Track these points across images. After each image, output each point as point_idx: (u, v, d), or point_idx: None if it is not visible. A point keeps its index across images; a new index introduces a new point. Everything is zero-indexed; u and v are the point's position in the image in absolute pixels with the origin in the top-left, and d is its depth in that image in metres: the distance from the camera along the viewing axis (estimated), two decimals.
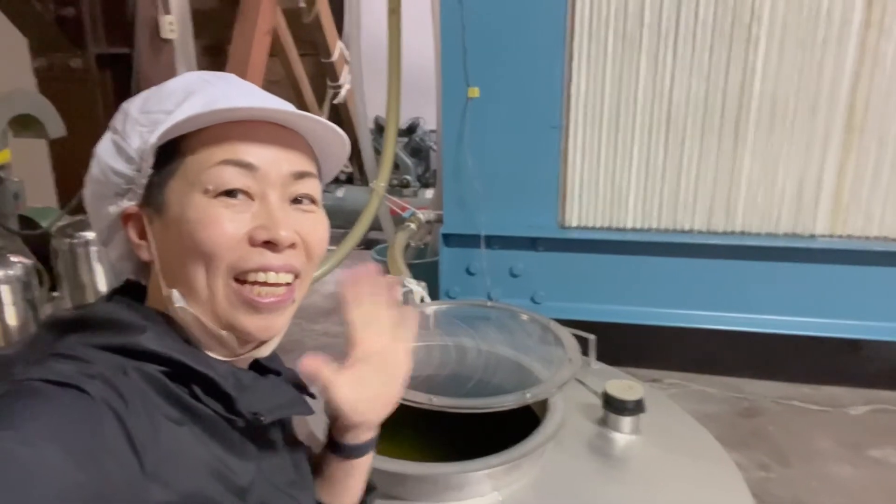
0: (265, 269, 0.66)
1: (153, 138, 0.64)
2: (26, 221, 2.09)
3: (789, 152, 2.60)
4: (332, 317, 3.83)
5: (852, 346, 3.18)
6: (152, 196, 0.66)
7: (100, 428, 0.52)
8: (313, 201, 0.71)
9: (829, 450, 2.46)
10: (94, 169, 0.69)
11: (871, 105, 2.50)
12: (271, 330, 0.69)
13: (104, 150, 0.68)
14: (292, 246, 0.67)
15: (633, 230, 2.81)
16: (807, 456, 2.42)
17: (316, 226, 0.70)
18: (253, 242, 0.65)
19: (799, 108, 2.55)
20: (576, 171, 2.77)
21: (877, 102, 2.49)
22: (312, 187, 0.71)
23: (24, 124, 1.90)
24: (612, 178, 2.75)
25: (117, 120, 0.69)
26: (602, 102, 2.67)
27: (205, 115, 0.63)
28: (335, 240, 4.08)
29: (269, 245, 0.65)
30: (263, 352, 0.73)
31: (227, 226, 0.63)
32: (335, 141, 0.72)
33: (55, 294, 2.06)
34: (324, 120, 0.68)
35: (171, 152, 0.65)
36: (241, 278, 0.66)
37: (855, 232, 2.65)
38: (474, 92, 2.68)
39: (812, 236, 2.68)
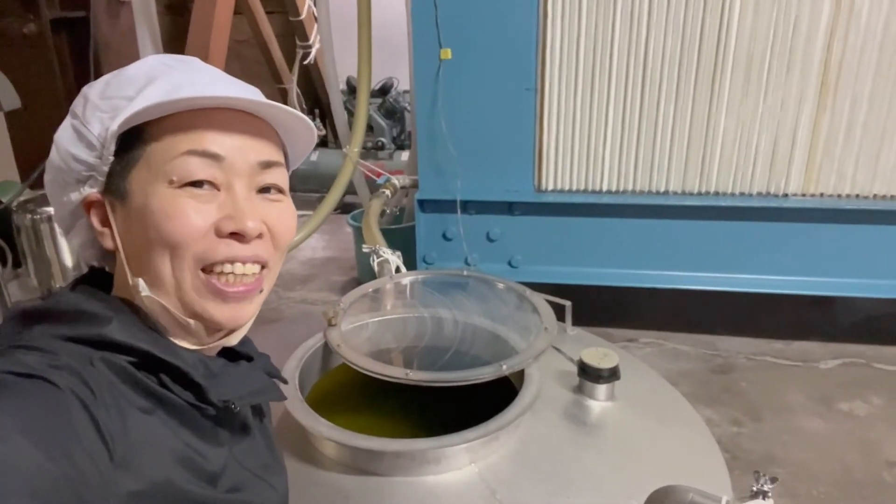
0: (232, 261, 0.65)
1: (114, 125, 0.62)
2: None
3: (764, 111, 2.59)
4: (308, 284, 3.80)
5: (824, 302, 3.25)
6: (114, 184, 0.65)
7: (68, 419, 0.52)
8: (280, 190, 0.70)
9: (799, 404, 2.52)
10: (54, 155, 0.67)
11: (845, 63, 2.49)
12: (240, 319, 0.69)
13: (64, 136, 0.66)
14: (259, 236, 0.66)
15: (609, 193, 2.80)
16: (778, 410, 2.48)
17: (283, 216, 0.69)
18: (220, 234, 0.64)
19: (774, 65, 2.53)
20: (551, 134, 2.74)
21: (851, 60, 2.48)
22: (279, 176, 0.70)
23: None
24: (588, 140, 2.73)
25: (77, 105, 0.67)
26: (577, 63, 2.63)
27: (166, 103, 0.61)
28: (310, 205, 4.03)
29: (236, 236, 0.64)
30: (232, 340, 0.72)
31: (193, 217, 0.62)
32: (302, 129, 0.71)
33: (20, 270, 2.01)
34: (290, 109, 0.67)
35: (133, 139, 0.64)
36: (208, 269, 0.65)
37: (827, 191, 2.67)
38: (447, 54, 2.62)
39: (785, 196, 2.70)
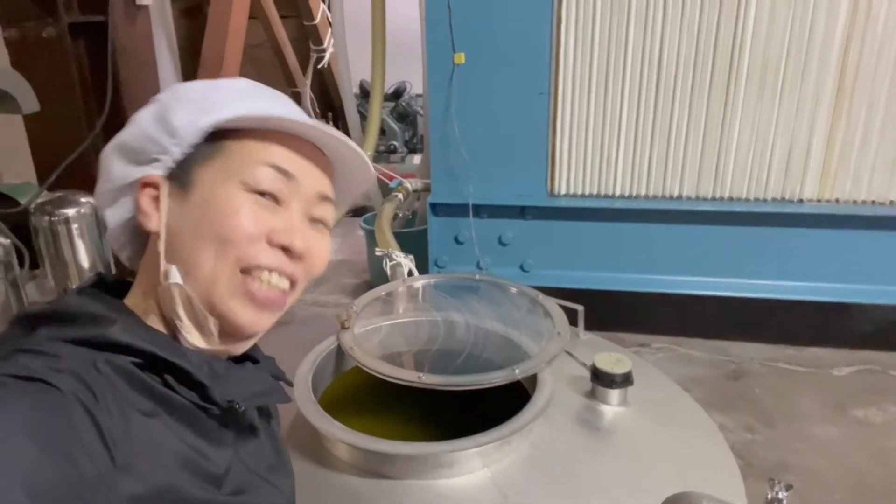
0: (272, 269, 0.68)
1: (210, 119, 0.66)
2: (4, 198, 2.04)
3: (779, 116, 2.58)
4: (320, 286, 3.82)
5: (838, 308, 3.22)
6: (181, 172, 0.68)
7: (69, 421, 0.52)
8: (326, 225, 0.75)
9: (813, 411, 2.50)
10: (130, 130, 0.70)
11: (861, 68, 2.47)
12: (259, 325, 0.70)
13: (145, 116, 0.69)
14: (301, 257, 0.70)
15: (622, 197, 2.79)
16: (792, 417, 2.46)
17: (322, 248, 0.74)
18: (271, 242, 0.68)
19: (789, 70, 2.51)
20: (564, 139, 2.73)
21: (867, 65, 2.46)
22: (329, 212, 0.75)
23: None
24: (601, 144, 2.73)
25: (165, 94, 0.71)
26: (591, 67, 2.63)
27: (275, 118, 0.67)
28: None
29: (284, 249, 0.68)
30: (238, 349, 0.73)
31: (252, 219, 0.66)
32: (362, 173, 0.76)
33: (37, 272, 2.03)
34: (362, 152, 0.73)
35: (216, 138, 0.68)
36: (246, 271, 0.67)
37: (843, 196, 2.65)
38: (460, 58, 2.62)
39: (800, 201, 2.68)
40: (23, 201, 2.06)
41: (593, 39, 2.59)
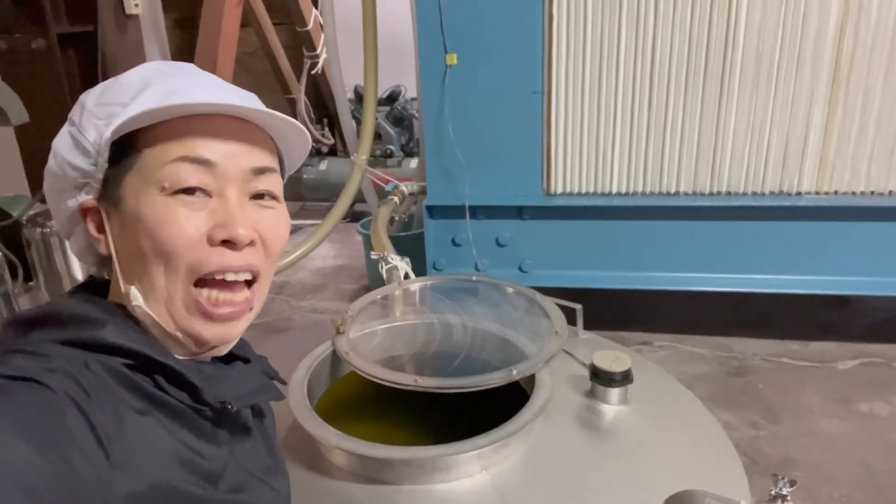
0: (224, 271, 0.65)
1: (108, 132, 0.62)
2: None
3: (775, 108, 2.56)
4: (319, 293, 3.80)
5: (840, 301, 3.20)
6: (109, 190, 0.65)
7: (62, 420, 0.52)
8: (274, 197, 0.70)
9: (818, 405, 2.48)
10: (52, 162, 0.67)
11: (856, 57, 2.46)
12: (227, 337, 0.69)
13: (61, 143, 0.67)
14: (251, 244, 0.66)
15: (619, 195, 2.78)
16: (797, 412, 2.44)
17: (276, 223, 0.69)
18: (212, 242, 0.64)
19: (784, 62, 2.50)
20: (559, 137, 2.72)
21: (862, 55, 2.45)
22: (273, 183, 0.70)
23: None
24: (597, 142, 2.71)
25: (74, 112, 0.67)
26: (584, 64, 2.61)
27: (159, 109, 0.61)
28: (321, 214, 4.04)
29: (228, 244, 0.64)
30: (221, 351, 0.72)
31: (184, 225, 0.62)
32: (296, 135, 0.71)
33: (31, 284, 2.02)
34: (283, 115, 0.67)
35: (127, 146, 0.64)
36: (200, 283, 0.65)
37: (841, 188, 2.63)
38: (452, 59, 2.61)
39: (798, 194, 2.66)
40: (15, 214, 2.05)
41: (586, 36, 2.57)
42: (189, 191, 0.63)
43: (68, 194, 0.67)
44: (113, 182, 0.65)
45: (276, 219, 0.69)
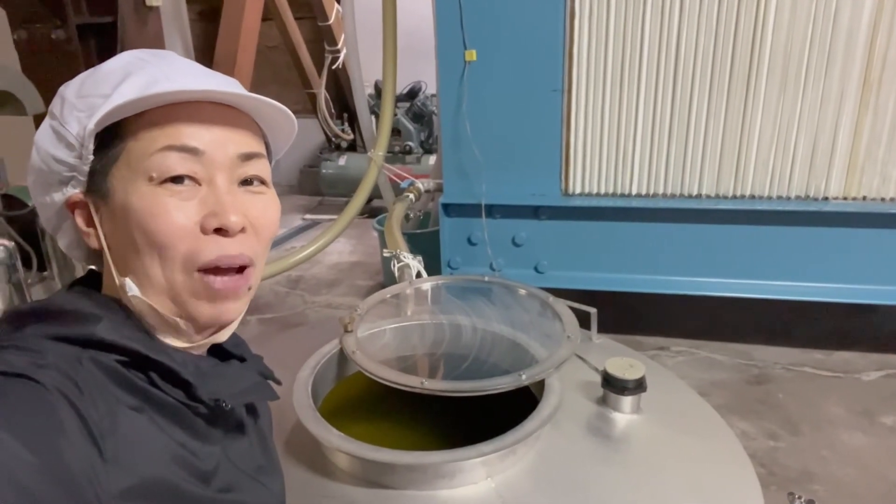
0: (221, 260, 0.64)
1: (91, 124, 0.61)
2: (12, 200, 2.04)
3: (802, 110, 2.49)
4: (334, 288, 3.79)
5: (866, 310, 3.11)
6: (96, 183, 0.64)
7: (54, 416, 0.52)
8: (263, 182, 0.69)
9: (840, 417, 2.41)
10: (35, 157, 0.66)
11: (889, 58, 2.38)
12: (227, 315, 0.68)
13: (43, 137, 0.65)
14: (243, 230, 0.65)
15: (639, 196, 2.73)
16: (817, 424, 2.37)
17: (266, 208, 0.69)
18: (205, 231, 0.63)
19: (813, 62, 2.43)
20: (578, 137, 2.67)
21: (895, 54, 2.37)
22: (261, 168, 0.69)
23: (2, 101, 1.84)
24: (617, 142, 2.66)
25: (55, 105, 0.66)
26: (605, 62, 2.56)
27: (142, 99, 0.60)
28: (338, 209, 4.04)
29: (221, 231, 0.64)
30: (221, 337, 0.71)
31: (176, 216, 0.62)
32: (282, 119, 0.70)
33: (45, 274, 2.03)
34: (268, 99, 0.66)
35: (111, 137, 0.63)
36: (202, 271, 0.64)
37: (870, 194, 2.56)
38: (472, 55, 2.58)
39: (825, 199, 2.59)
40: (30, 203, 2.06)
41: (608, 33, 2.52)
42: (177, 179, 0.62)
43: (54, 189, 0.67)
44: (99, 174, 0.64)
45: (266, 204, 0.69)
